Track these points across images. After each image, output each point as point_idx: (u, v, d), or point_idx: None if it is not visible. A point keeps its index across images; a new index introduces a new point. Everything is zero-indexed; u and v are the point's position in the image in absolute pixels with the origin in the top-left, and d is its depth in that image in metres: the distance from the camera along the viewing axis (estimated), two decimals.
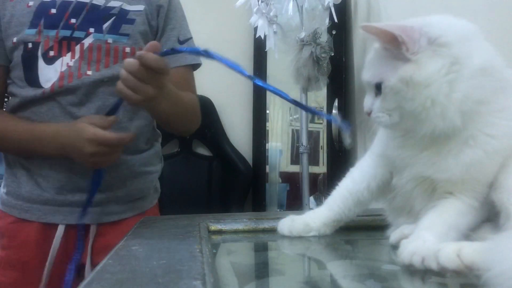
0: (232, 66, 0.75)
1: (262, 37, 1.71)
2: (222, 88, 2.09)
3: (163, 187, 1.23)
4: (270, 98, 2.17)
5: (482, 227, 0.61)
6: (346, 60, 1.88)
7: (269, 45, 1.73)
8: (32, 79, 1.02)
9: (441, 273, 0.51)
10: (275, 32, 1.71)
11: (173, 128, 1.15)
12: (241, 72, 0.75)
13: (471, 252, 0.49)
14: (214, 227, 0.81)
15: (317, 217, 0.75)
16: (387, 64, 0.58)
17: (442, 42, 0.56)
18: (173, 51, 0.90)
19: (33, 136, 1.01)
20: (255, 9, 1.71)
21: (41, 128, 1.02)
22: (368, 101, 0.63)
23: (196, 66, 1.16)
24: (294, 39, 1.70)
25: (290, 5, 1.66)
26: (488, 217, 0.61)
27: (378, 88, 0.60)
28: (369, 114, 0.63)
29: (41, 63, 1.02)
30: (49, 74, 1.02)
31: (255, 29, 1.73)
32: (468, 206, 0.60)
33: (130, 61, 0.85)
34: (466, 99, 0.56)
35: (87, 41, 1.03)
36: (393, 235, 0.67)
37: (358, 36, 1.87)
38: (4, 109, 1.09)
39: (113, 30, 1.04)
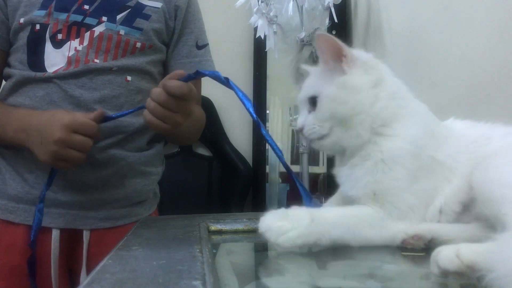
0: (244, 101, 0.78)
1: (262, 37, 1.71)
2: (222, 88, 2.08)
3: (163, 187, 1.23)
4: (270, 98, 2.17)
5: (472, 228, 0.62)
6: None
7: (269, 45, 1.72)
8: (36, 62, 0.98)
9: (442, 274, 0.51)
10: (275, 32, 1.70)
11: (178, 142, 1.14)
12: (249, 109, 0.78)
13: (470, 252, 0.49)
14: (214, 227, 0.81)
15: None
16: (325, 79, 0.69)
17: (371, 64, 0.69)
18: (196, 75, 0.87)
19: None
20: (255, 9, 1.70)
21: (11, 110, 0.96)
22: (301, 119, 0.72)
23: None
24: (294, 39, 1.70)
25: (290, 5, 1.66)
26: (477, 218, 0.62)
27: (312, 103, 0.70)
28: (301, 130, 0.71)
29: (48, 46, 0.98)
30: (56, 59, 0.98)
31: (255, 29, 1.73)
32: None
33: (156, 90, 0.84)
34: (378, 116, 0.66)
35: (98, 29, 1.00)
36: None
37: (358, 36, 1.87)
38: None
39: (127, 22, 1.02)
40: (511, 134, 0.67)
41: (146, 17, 1.04)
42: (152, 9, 1.05)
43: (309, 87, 0.72)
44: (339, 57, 0.68)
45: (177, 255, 0.55)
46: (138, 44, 1.03)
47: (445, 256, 0.50)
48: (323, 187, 2.02)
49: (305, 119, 0.71)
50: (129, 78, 1.03)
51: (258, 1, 1.69)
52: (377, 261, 0.65)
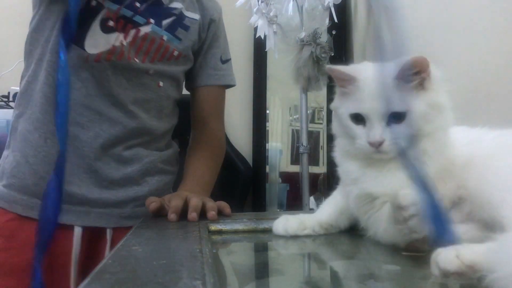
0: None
1: (262, 37, 1.71)
2: None
3: None
4: (270, 98, 2.17)
5: (472, 228, 0.62)
6: (346, 60, 1.88)
7: (269, 45, 1.72)
8: (77, 35, 0.95)
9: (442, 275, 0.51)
10: (275, 32, 1.71)
11: None
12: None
13: (470, 253, 0.49)
14: (214, 227, 0.81)
15: (312, 217, 0.76)
16: (407, 95, 0.65)
17: (444, 78, 0.68)
18: None
19: None
20: (255, 9, 1.71)
21: None
22: (378, 131, 0.65)
23: (229, 86, 1.20)
24: (294, 39, 1.70)
25: (290, 5, 1.67)
26: (469, 218, 0.63)
27: (397, 117, 0.64)
28: (379, 144, 0.65)
29: (95, 26, 0.96)
30: (99, 41, 0.96)
31: (255, 29, 1.73)
32: None
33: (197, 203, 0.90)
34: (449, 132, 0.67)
35: (144, 30, 1.00)
36: None
37: (358, 36, 1.87)
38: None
39: (170, 29, 1.04)
40: (500, 136, 0.68)
41: (186, 28, 1.07)
42: (191, 20, 1.08)
43: (390, 100, 0.67)
44: (422, 74, 0.66)
45: (177, 255, 0.55)
46: (176, 53, 1.06)
47: (446, 256, 0.50)
48: (323, 187, 2.02)
49: (383, 132, 0.66)
50: (161, 83, 1.06)
51: (258, 1, 1.70)
52: (377, 261, 0.65)
